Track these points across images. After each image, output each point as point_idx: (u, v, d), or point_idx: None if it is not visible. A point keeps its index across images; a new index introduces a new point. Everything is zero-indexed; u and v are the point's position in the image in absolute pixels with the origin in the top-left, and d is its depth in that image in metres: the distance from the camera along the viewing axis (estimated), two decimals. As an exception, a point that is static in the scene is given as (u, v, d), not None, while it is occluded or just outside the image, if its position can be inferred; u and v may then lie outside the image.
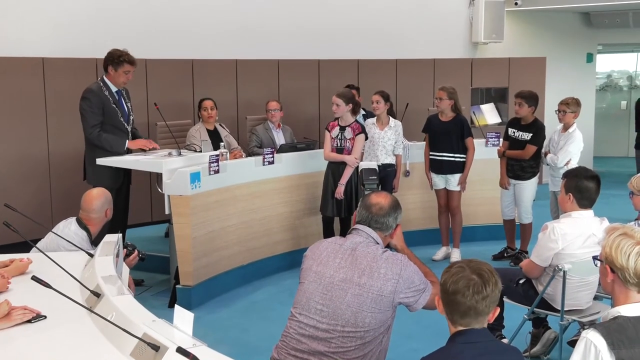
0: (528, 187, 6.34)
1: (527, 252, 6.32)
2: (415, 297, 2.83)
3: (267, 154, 6.05)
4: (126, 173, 5.71)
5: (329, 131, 6.09)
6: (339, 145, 6.01)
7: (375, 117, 6.48)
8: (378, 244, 2.94)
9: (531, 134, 6.20)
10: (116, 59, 5.47)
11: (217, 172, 5.50)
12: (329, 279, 2.82)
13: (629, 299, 2.33)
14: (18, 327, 2.71)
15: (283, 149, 6.48)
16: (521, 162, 6.27)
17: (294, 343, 2.83)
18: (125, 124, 5.65)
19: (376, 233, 2.95)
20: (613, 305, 2.42)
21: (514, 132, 6.34)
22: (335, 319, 2.77)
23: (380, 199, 3.01)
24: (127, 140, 5.58)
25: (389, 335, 2.88)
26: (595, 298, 4.15)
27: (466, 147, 6.36)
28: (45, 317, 2.79)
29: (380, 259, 2.82)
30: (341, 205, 5.99)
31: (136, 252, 4.01)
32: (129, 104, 5.74)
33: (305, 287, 2.87)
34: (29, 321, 2.74)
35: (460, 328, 2.27)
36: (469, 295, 2.21)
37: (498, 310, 2.30)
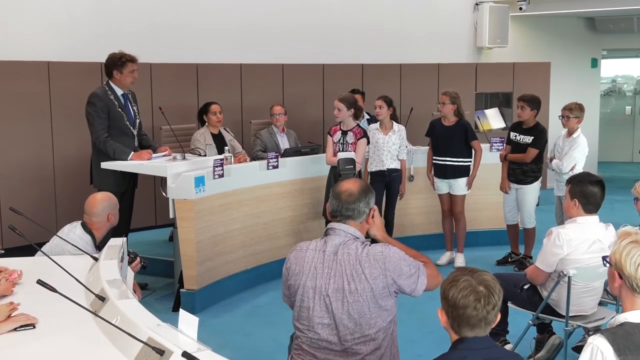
0: (530, 192, 6.33)
1: (531, 257, 6.31)
2: (410, 285, 2.74)
3: (272, 158, 6.05)
4: (132, 177, 5.70)
5: (331, 136, 6.08)
6: (341, 149, 5.98)
7: (379, 122, 6.47)
8: (358, 238, 2.81)
9: (532, 137, 6.19)
10: (118, 61, 5.48)
11: (221, 176, 5.50)
12: (324, 292, 2.73)
13: (635, 306, 2.34)
14: (22, 331, 2.71)
15: (287, 153, 6.48)
16: (523, 167, 6.27)
17: (310, 357, 2.79)
18: (131, 128, 5.64)
19: (351, 226, 2.82)
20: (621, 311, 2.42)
21: (515, 136, 6.33)
22: (343, 330, 2.71)
23: (349, 185, 2.87)
24: (131, 153, 5.48)
25: (396, 322, 2.82)
26: (600, 304, 4.15)
27: (472, 150, 6.36)
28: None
29: (361, 258, 2.72)
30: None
31: (138, 259, 4.00)
32: (135, 108, 5.73)
33: (304, 304, 2.78)
34: (33, 325, 2.75)
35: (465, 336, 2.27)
36: (480, 307, 2.21)
37: (500, 315, 2.31)
